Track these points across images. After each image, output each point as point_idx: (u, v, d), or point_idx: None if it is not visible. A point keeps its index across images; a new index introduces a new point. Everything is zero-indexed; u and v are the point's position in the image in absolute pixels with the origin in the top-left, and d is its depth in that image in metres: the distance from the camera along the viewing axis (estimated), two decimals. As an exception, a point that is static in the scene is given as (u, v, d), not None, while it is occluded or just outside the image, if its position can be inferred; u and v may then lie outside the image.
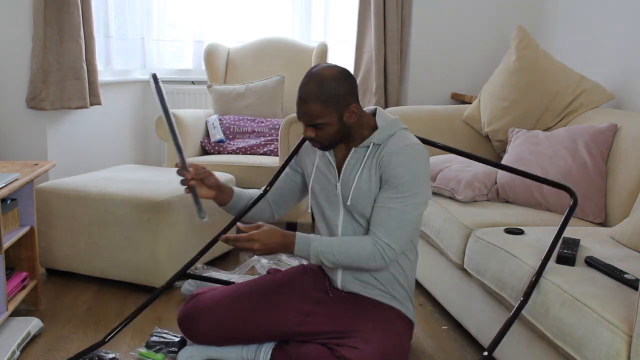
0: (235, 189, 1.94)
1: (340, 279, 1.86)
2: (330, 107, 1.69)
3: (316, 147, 1.78)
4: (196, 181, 1.81)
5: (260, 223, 1.78)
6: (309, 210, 1.98)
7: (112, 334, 1.87)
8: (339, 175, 1.81)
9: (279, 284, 1.92)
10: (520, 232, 1.95)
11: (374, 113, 1.83)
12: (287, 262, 2.84)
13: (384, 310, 1.81)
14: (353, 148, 1.79)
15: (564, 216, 1.77)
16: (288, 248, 1.74)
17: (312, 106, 1.69)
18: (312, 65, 1.84)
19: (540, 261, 1.65)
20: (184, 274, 2.08)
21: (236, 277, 2.64)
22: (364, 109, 1.83)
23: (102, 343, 1.87)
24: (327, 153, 1.84)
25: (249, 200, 1.95)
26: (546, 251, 1.66)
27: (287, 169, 1.99)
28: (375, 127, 1.79)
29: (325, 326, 1.78)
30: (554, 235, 1.73)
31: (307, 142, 1.95)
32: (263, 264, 2.82)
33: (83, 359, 1.90)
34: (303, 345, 1.76)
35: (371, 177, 1.74)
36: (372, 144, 1.76)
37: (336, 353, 1.66)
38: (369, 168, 1.75)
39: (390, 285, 1.82)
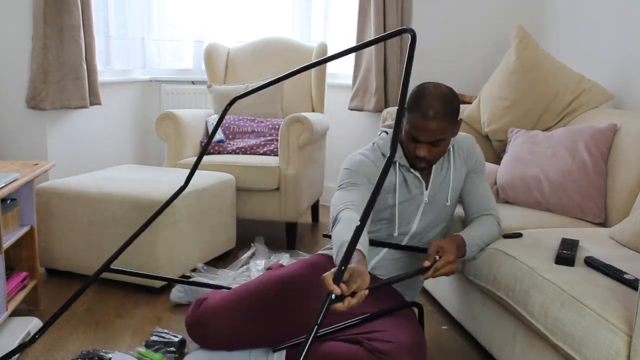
0: (364, 251, 1.59)
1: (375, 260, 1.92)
2: (450, 125, 1.76)
3: (421, 166, 1.82)
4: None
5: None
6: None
7: (41, 331, 1.86)
8: (426, 186, 1.90)
9: (287, 282, 1.87)
10: (518, 235, 1.94)
11: None
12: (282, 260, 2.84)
13: (397, 300, 1.87)
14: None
15: (407, 55, 1.59)
16: (461, 250, 1.82)
17: (440, 124, 1.73)
18: (420, 84, 1.84)
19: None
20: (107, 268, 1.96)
21: (229, 279, 2.64)
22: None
23: (33, 341, 1.85)
24: (413, 172, 1.87)
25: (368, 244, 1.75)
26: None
27: (359, 189, 1.80)
28: None
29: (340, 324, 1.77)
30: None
31: (369, 163, 1.85)
32: (257, 263, 2.82)
33: (86, 358, 1.90)
34: (323, 344, 1.71)
35: (458, 176, 1.94)
36: (451, 148, 1.94)
37: (368, 346, 1.64)
38: (454, 169, 1.93)
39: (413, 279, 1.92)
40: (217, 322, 1.81)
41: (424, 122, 1.72)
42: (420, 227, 1.93)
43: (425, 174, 1.91)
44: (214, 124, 3.47)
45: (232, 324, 1.80)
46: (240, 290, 1.89)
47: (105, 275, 2.59)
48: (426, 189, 1.89)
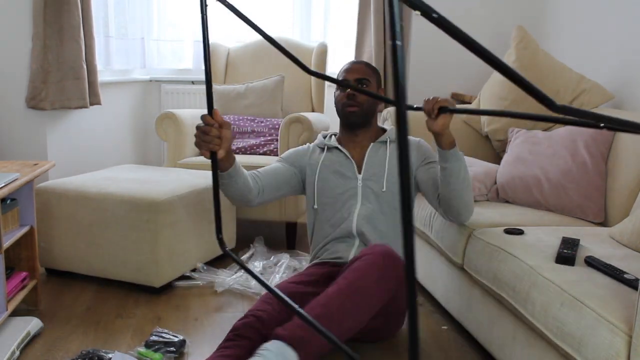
0: (236, 160, 1.92)
1: (354, 252, 2.04)
2: (374, 76, 2.14)
3: (352, 110, 2.07)
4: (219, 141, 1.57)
5: None
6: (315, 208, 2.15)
7: None
8: (359, 170, 2.07)
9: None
10: (520, 232, 1.95)
11: None
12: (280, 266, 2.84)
13: None
14: (371, 144, 2.12)
15: None
16: (450, 138, 1.86)
17: (363, 66, 2.13)
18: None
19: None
20: None
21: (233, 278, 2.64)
22: None
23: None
24: (342, 149, 2.11)
25: (244, 178, 1.94)
26: None
27: (278, 164, 2.16)
28: (380, 130, 2.20)
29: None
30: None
31: (303, 148, 2.20)
32: (255, 265, 2.82)
33: (86, 358, 1.90)
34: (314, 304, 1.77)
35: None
36: (388, 139, 2.13)
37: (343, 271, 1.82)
38: (391, 158, 2.07)
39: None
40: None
41: (351, 65, 2.14)
42: (363, 223, 2.03)
43: (357, 155, 2.10)
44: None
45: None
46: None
47: (105, 275, 2.59)
48: (359, 172, 2.08)
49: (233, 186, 1.89)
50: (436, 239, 2.31)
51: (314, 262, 2.14)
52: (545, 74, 2.69)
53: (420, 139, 2.18)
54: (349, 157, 2.10)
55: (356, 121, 2.10)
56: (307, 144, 2.26)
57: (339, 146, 2.13)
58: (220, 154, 1.59)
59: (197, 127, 1.54)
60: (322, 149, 2.16)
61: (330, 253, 2.08)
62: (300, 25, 4.11)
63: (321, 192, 2.10)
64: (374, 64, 3.60)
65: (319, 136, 2.24)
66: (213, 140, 1.53)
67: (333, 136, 2.22)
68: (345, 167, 2.09)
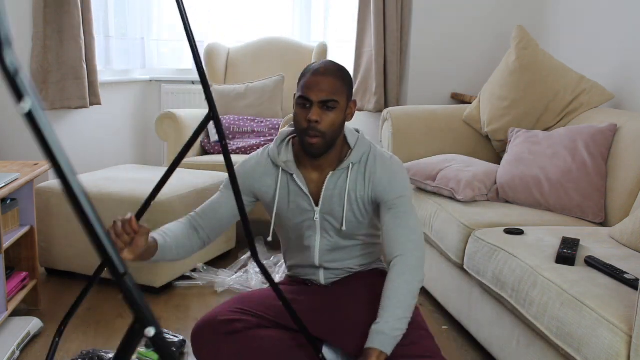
0: (159, 240, 1.60)
1: (323, 278, 1.80)
2: (344, 90, 1.63)
3: (312, 142, 1.62)
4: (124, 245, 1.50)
5: None
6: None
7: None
8: (316, 202, 1.71)
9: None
10: (520, 232, 1.95)
11: None
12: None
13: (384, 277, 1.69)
14: (330, 172, 1.69)
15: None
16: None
17: (332, 80, 1.60)
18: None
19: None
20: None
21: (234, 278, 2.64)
22: None
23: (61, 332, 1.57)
24: (296, 180, 1.71)
25: (176, 252, 1.67)
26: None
27: (222, 197, 1.75)
28: (344, 144, 1.73)
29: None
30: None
31: (250, 167, 1.76)
32: (255, 265, 2.82)
33: (86, 358, 1.90)
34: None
35: (357, 198, 1.70)
36: (350, 164, 1.69)
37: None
38: (355, 190, 1.69)
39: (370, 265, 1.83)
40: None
41: (316, 77, 1.61)
42: (326, 257, 1.76)
43: (314, 181, 1.72)
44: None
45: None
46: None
47: (105, 275, 2.58)
48: (316, 205, 1.70)
49: (164, 262, 1.82)
50: (436, 239, 2.31)
51: (289, 275, 1.94)
52: (545, 74, 2.69)
53: (399, 162, 1.75)
54: (305, 191, 1.71)
55: (316, 153, 1.66)
56: (261, 150, 1.79)
57: (295, 177, 1.70)
58: (126, 256, 1.53)
59: (115, 223, 1.47)
60: (277, 167, 1.73)
61: (302, 275, 1.86)
62: (300, 25, 4.11)
63: (278, 219, 1.78)
64: (373, 65, 3.60)
65: (274, 144, 1.75)
66: (118, 243, 1.51)
67: (291, 147, 1.73)
68: (301, 198, 1.72)
